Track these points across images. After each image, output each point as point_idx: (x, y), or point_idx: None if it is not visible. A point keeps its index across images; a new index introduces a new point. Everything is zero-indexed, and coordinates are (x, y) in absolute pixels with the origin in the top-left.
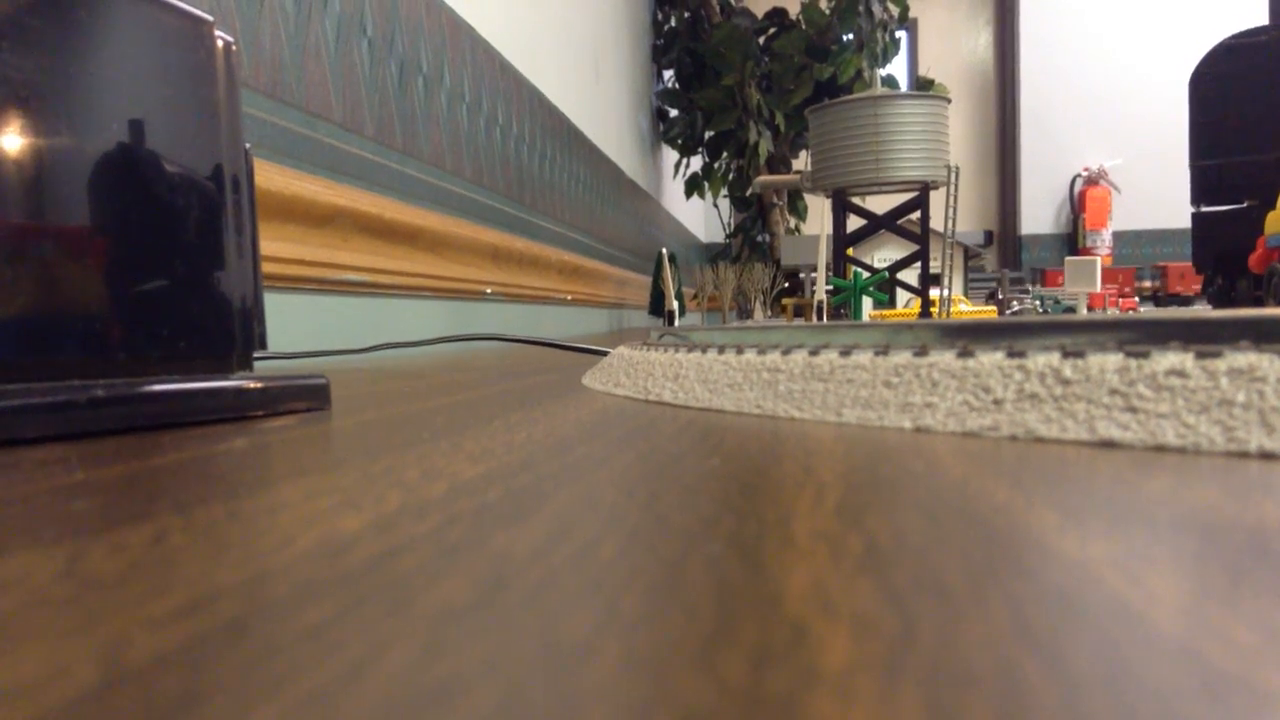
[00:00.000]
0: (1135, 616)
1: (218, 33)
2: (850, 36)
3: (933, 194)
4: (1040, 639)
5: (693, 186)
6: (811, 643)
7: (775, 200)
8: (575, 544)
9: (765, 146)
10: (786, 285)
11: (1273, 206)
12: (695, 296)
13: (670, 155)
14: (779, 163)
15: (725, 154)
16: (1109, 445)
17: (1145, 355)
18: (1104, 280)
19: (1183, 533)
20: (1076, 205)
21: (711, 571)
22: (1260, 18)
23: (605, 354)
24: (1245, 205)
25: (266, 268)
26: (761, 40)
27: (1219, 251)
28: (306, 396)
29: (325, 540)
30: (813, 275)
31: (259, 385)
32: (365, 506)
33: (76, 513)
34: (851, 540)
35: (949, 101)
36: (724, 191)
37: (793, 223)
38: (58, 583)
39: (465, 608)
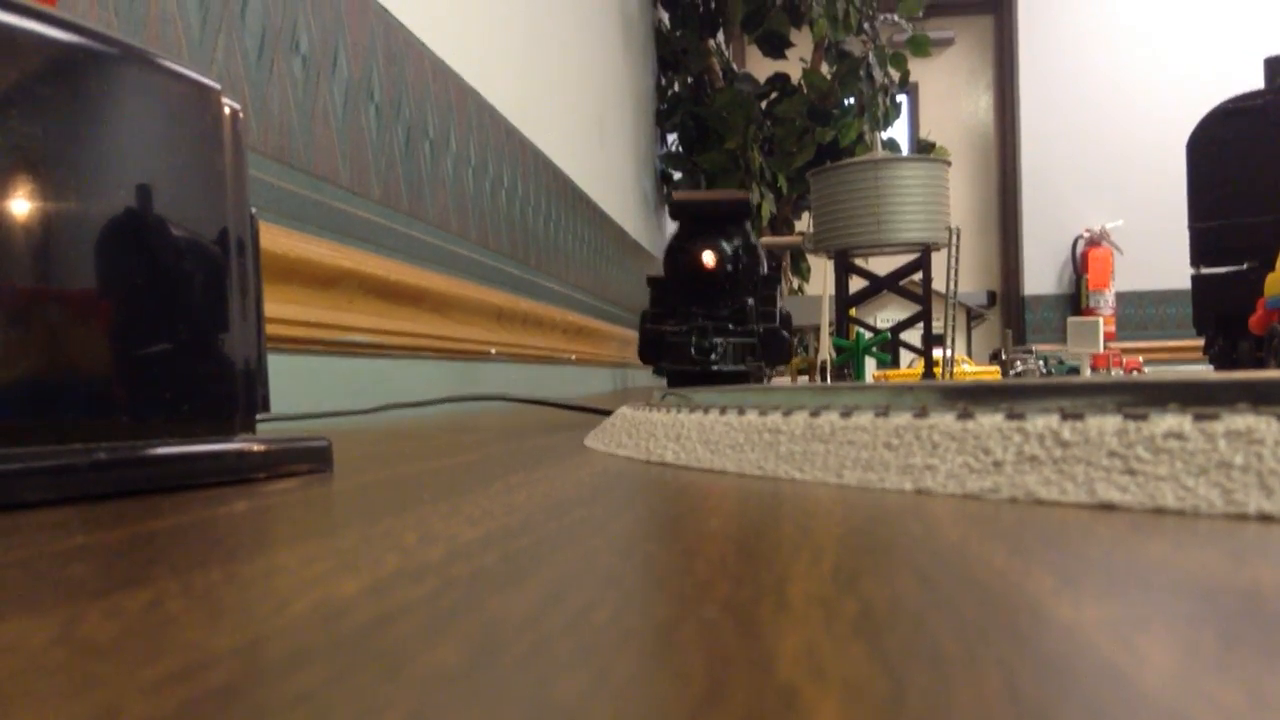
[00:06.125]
0: (1125, 680)
1: (225, 100)
2: (851, 101)
3: (934, 255)
4: (1029, 703)
5: None
6: (802, 707)
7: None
8: (570, 608)
9: (768, 208)
10: None
11: (1272, 268)
12: None
13: None
14: (781, 224)
15: None
16: (1108, 508)
17: (1144, 418)
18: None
19: (1178, 596)
20: (1079, 266)
21: (705, 635)
22: (1256, 82)
23: (608, 414)
24: (1245, 267)
25: (272, 329)
26: (764, 104)
27: (1219, 313)
28: (308, 458)
29: (321, 604)
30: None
31: (261, 448)
32: (362, 570)
33: (74, 577)
34: (847, 604)
35: (949, 164)
36: None
37: (796, 283)
38: (53, 647)
39: (458, 672)
